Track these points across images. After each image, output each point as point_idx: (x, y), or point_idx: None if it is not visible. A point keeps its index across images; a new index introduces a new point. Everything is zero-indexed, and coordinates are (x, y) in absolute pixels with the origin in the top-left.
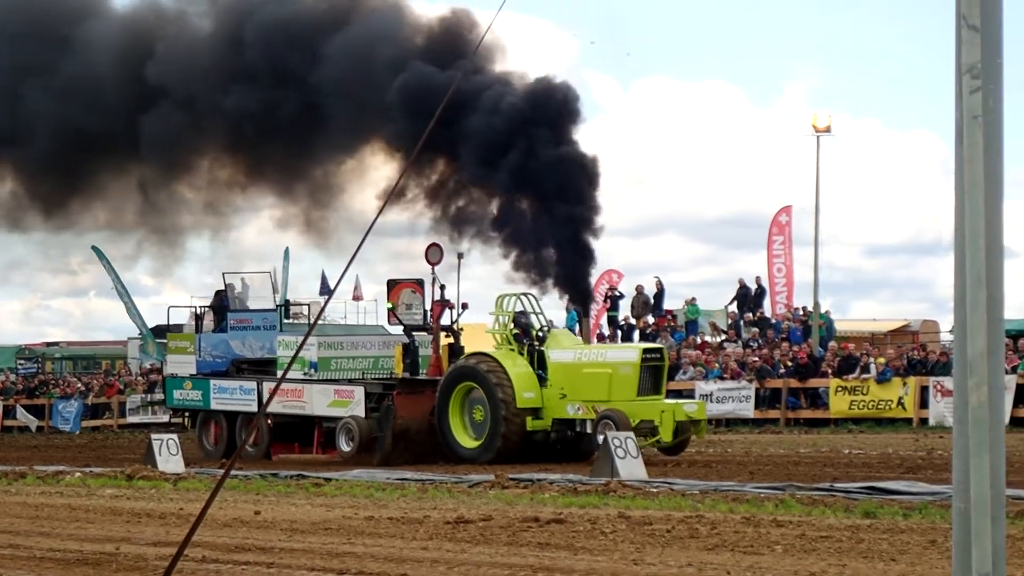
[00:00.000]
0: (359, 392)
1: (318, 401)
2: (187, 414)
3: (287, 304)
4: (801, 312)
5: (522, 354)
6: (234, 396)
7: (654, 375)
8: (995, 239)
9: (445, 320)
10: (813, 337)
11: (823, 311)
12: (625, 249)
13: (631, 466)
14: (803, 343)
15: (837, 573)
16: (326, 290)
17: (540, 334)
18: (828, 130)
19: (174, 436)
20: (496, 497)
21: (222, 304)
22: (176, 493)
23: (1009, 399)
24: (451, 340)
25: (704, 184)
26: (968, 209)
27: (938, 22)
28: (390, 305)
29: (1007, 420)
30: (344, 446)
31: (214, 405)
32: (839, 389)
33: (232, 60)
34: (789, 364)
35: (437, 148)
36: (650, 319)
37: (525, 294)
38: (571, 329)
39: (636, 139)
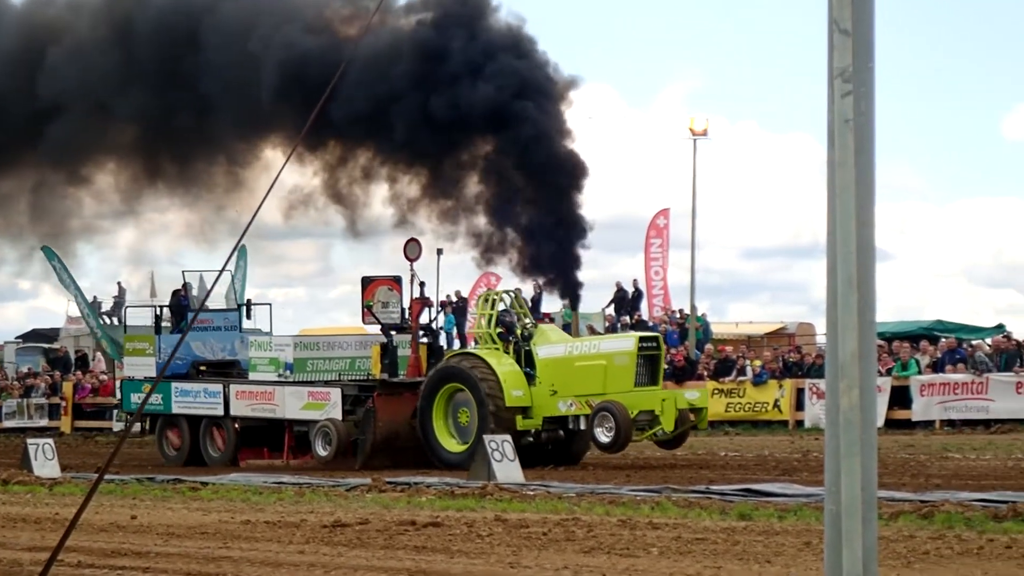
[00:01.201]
0: (335, 394)
1: (290, 404)
2: (146, 419)
3: (248, 304)
4: (678, 315)
5: (507, 352)
6: (198, 399)
7: (651, 364)
8: (866, 242)
9: (424, 319)
10: (690, 340)
11: (700, 314)
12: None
13: (508, 469)
14: (680, 346)
15: (712, 575)
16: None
17: (525, 332)
18: (705, 133)
19: (50, 440)
20: (373, 500)
21: (180, 304)
22: (52, 498)
23: (884, 401)
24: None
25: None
26: (839, 212)
27: (815, 25)
28: (369, 303)
29: (881, 422)
30: (320, 450)
31: (176, 409)
32: (715, 392)
33: (123, 61)
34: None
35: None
36: (528, 322)
37: (508, 291)
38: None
39: None
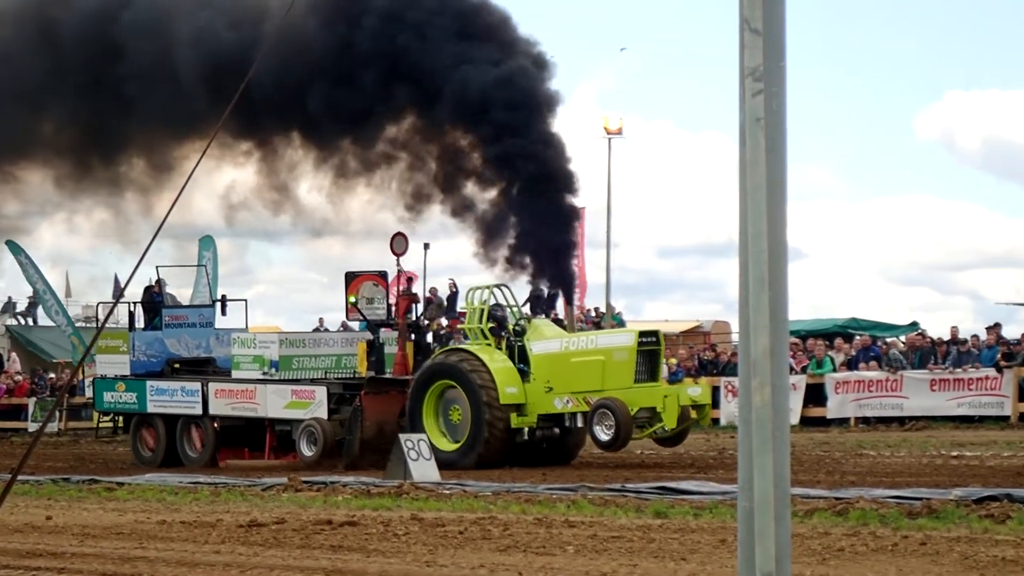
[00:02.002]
0: (321, 392)
1: (273, 402)
2: (119, 418)
3: (224, 300)
4: (593, 313)
5: (499, 348)
6: (175, 398)
7: (650, 360)
8: (778, 240)
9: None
10: None
11: (616, 312)
12: (418, 251)
13: (424, 468)
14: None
15: (628, 573)
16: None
17: (517, 327)
18: (620, 132)
19: None
20: (289, 500)
21: (152, 300)
22: None
23: (799, 399)
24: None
25: None
26: (750, 211)
27: (728, 24)
28: (353, 299)
29: (796, 420)
30: (306, 450)
31: (151, 408)
32: None
33: (50, 61)
34: None
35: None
36: (444, 321)
37: (498, 286)
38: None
39: None
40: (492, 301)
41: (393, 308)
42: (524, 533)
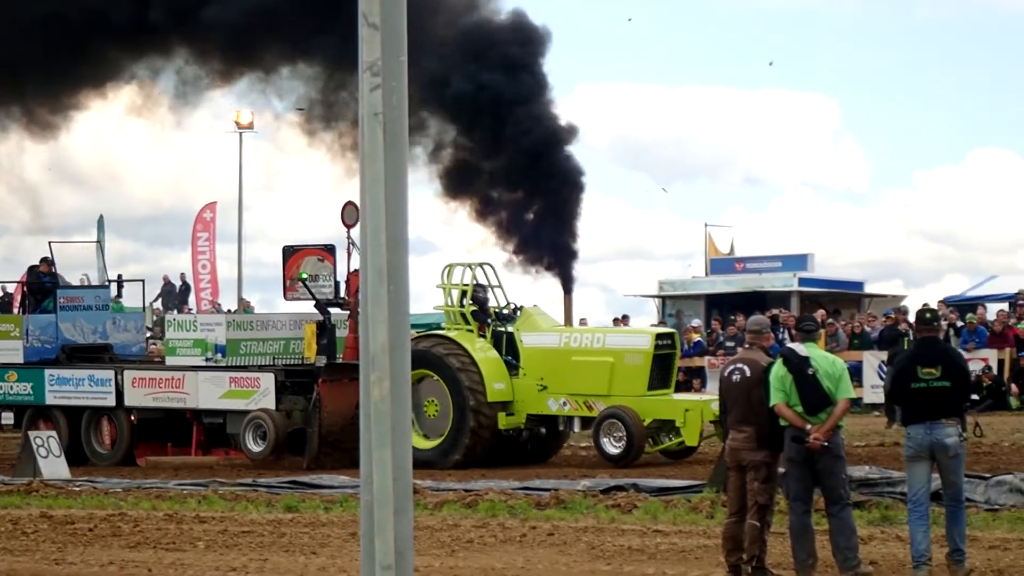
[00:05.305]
0: (267, 380)
1: (205, 392)
2: (10, 411)
3: (120, 280)
4: (225, 308)
5: (483, 336)
6: (80, 389)
7: (664, 366)
8: (398, 235)
9: None
10: None
11: (249, 306)
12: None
13: (54, 465)
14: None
15: (258, 567)
16: None
17: (503, 312)
18: (251, 127)
19: None
20: None
21: (40, 280)
22: None
23: None
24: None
25: (132, 181)
26: (369, 205)
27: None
28: (303, 275)
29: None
30: (253, 446)
31: (50, 400)
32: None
33: None
34: None
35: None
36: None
37: (481, 264)
38: None
39: None
40: (474, 281)
41: (343, 285)
42: (155, 529)
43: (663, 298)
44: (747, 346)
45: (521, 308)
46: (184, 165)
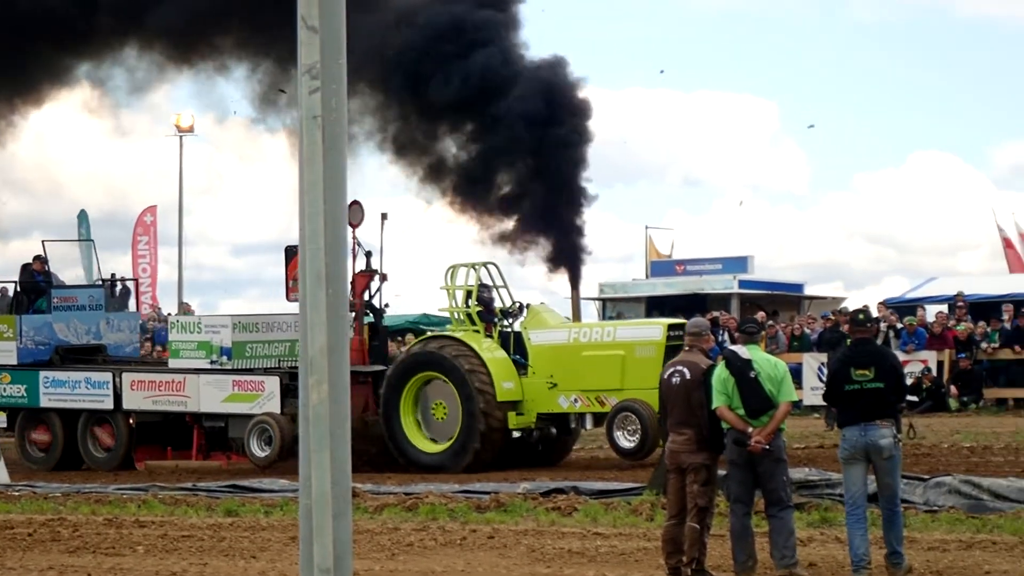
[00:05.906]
0: (272, 383)
1: (208, 395)
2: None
3: (114, 280)
4: (165, 312)
5: (489, 335)
6: (76, 391)
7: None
8: (337, 238)
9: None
10: None
11: (190, 310)
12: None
13: None
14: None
15: (198, 572)
16: None
17: (509, 311)
18: (191, 130)
19: None
20: None
21: (34, 280)
22: None
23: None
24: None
25: (68, 184)
26: (307, 208)
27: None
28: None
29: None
30: (258, 450)
31: (44, 403)
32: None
33: None
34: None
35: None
36: None
37: (484, 264)
38: None
39: None
40: (479, 281)
41: (349, 287)
42: (94, 534)
43: (604, 300)
44: (687, 348)
45: (528, 306)
46: (125, 169)
